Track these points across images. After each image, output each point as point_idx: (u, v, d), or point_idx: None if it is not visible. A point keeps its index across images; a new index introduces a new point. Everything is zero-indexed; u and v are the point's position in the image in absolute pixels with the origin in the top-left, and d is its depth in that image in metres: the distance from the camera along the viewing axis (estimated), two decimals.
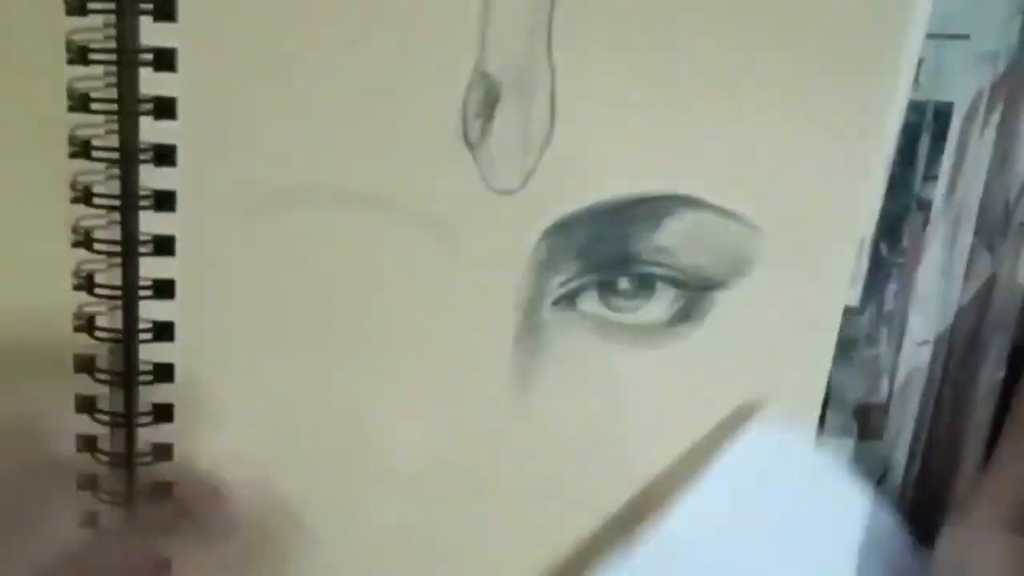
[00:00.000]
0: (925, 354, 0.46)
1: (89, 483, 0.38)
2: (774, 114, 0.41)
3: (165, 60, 0.35)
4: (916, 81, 0.44)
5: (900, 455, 0.47)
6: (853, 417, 0.47)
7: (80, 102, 0.35)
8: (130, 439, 0.37)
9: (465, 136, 0.39)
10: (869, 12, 0.40)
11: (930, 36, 0.43)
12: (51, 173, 0.37)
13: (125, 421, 0.37)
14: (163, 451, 0.38)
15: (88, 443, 0.38)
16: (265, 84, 0.37)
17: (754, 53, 0.40)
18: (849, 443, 0.47)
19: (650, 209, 0.41)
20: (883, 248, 0.45)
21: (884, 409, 0.47)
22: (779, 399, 0.44)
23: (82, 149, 0.35)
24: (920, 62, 0.43)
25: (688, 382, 0.43)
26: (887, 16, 0.40)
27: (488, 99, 0.39)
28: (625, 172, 0.40)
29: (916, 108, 0.44)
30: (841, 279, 0.43)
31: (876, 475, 0.47)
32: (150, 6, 0.35)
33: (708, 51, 0.40)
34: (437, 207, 0.39)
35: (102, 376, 0.37)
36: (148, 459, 0.38)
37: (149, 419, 0.37)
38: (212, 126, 0.37)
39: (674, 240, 0.41)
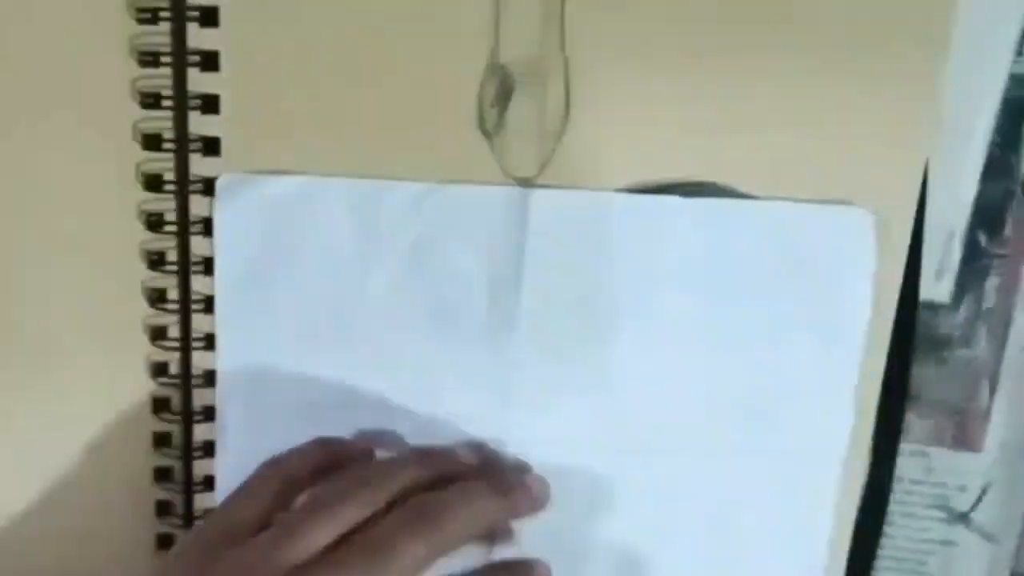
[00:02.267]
0: None
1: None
2: (804, 94, 0.40)
3: None
4: (1020, 52, 0.40)
5: (1004, 471, 0.44)
6: (946, 424, 0.44)
7: None
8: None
9: (481, 125, 0.41)
10: None
11: None
12: None
13: None
14: None
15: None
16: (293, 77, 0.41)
17: (776, 32, 0.39)
18: (942, 453, 0.44)
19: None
20: (981, 238, 0.42)
21: (984, 417, 0.43)
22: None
23: None
24: None
25: None
26: None
27: (503, 89, 0.40)
28: (643, 160, 0.41)
29: (1020, 82, 0.40)
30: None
31: (974, 492, 0.44)
32: None
33: (728, 35, 0.39)
34: None
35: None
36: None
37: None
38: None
39: None
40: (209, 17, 0.40)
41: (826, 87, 0.39)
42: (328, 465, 0.40)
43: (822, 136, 0.40)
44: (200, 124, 0.41)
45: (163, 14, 0.40)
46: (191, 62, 0.40)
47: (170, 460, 0.43)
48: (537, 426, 0.42)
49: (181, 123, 0.41)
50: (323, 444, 0.41)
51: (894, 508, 0.44)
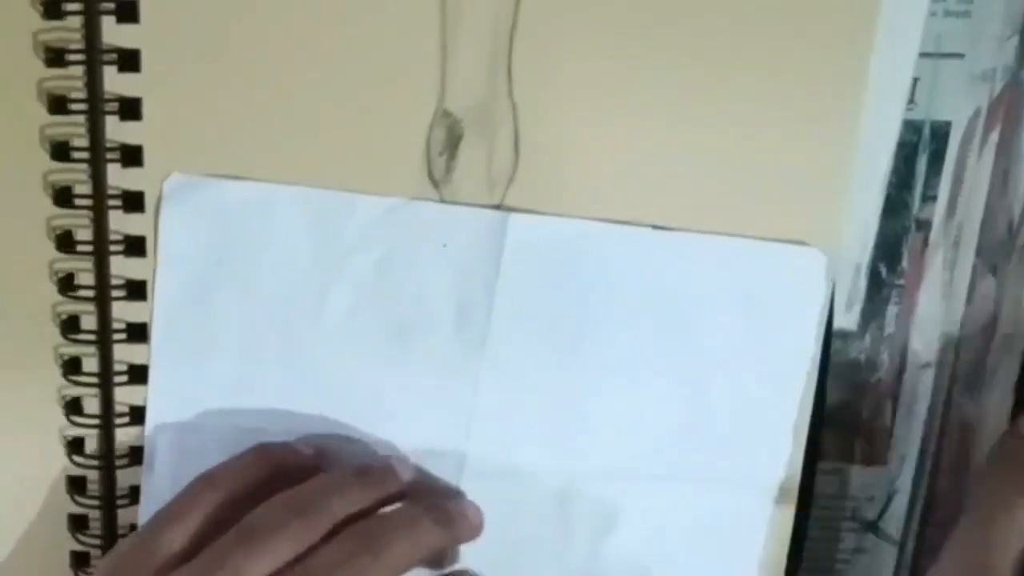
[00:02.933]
0: (928, 377, 0.47)
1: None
2: (736, 139, 0.42)
3: None
4: (911, 100, 0.44)
5: (905, 481, 0.48)
6: (856, 442, 0.47)
7: None
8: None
9: (430, 174, 0.41)
10: (831, 27, 0.41)
11: (924, 55, 0.43)
12: None
13: None
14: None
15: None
16: (224, 132, 0.40)
17: (714, 80, 0.41)
18: (853, 469, 0.48)
19: None
20: (882, 270, 0.45)
21: (888, 434, 0.47)
22: None
23: None
24: (915, 81, 0.43)
25: None
26: (851, 32, 0.41)
27: (451, 137, 0.41)
28: (594, 205, 0.42)
29: (912, 127, 0.44)
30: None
31: (881, 502, 0.48)
32: None
33: (678, 77, 0.41)
34: None
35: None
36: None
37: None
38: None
39: None
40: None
41: (764, 130, 0.42)
42: (269, 478, 0.38)
43: (763, 178, 0.42)
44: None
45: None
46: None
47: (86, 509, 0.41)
48: (497, 455, 0.42)
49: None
50: (262, 454, 0.39)
51: (813, 523, 0.47)
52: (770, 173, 0.42)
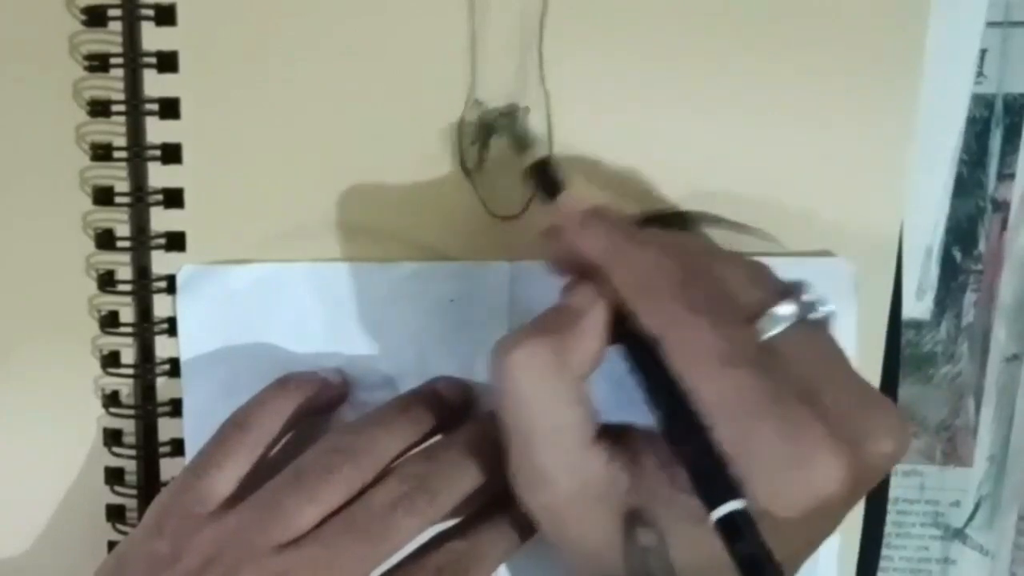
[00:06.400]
0: (1016, 370, 0.44)
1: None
2: (782, 119, 0.41)
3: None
4: (980, 73, 0.42)
5: (995, 485, 0.45)
6: (936, 441, 0.45)
7: None
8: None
9: (462, 164, 0.42)
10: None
11: (992, 24, 0.41)
12: None
13: None
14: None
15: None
16: (260, 126, 0.42)
17: (755, 62, 0.41)
18: (933, 470, 0.46)
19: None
20: (956, 254, 0.44)
21: (971, 433, 0.45)
22: None
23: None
24: (983, 52, 0.42)
25: None
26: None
27: (482, 126, 0.42)
28: (630, 192, 0.42)
29: (983, 102, 0.43)
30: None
31: (968, 507, 0.46)
32: None
33: (712, 70, 0.41)
34: (437, 236, 0.43)
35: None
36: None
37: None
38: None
39: None
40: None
41: (813, 108, 0.41)
42: (298, 410, 0.40)
43: (814, 160, 0.41)
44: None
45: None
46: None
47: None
48: None
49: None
50: (288, 393, 0.40)
51: (890, 529, 0.45)
52: (821, 154, 0.42)
